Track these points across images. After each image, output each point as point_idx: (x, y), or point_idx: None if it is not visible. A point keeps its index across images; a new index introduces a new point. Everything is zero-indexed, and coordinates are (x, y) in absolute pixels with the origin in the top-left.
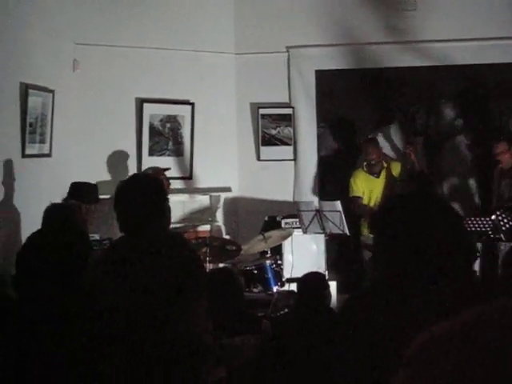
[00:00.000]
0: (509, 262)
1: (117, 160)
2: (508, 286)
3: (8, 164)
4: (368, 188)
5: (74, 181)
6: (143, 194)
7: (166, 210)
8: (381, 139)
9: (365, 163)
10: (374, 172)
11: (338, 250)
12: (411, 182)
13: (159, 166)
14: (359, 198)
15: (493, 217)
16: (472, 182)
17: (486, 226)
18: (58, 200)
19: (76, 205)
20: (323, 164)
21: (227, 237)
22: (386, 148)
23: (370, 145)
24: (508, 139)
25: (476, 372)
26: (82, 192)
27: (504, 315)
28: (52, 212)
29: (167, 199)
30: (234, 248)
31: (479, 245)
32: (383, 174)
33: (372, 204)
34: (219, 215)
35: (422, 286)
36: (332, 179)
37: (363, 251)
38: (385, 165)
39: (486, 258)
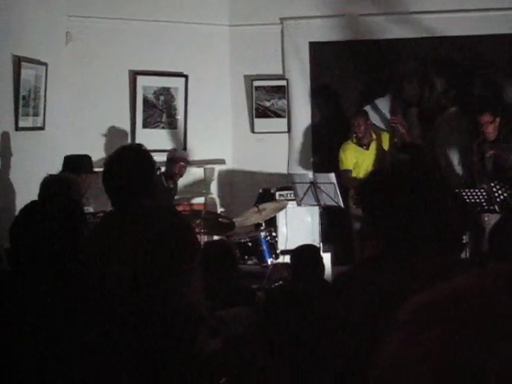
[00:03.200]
0: (496, 235)
1: (110, 132)
2: (496, 258)
3: (4, 137)
4: (357, 160)
5: (67, 153)
6: (131, 166)
7: (155, 182)
8: (371, 111)
9: (354, 135)
10: (363, 144)
11: (332, 221)
12: (400, 153)
13: (179, 155)
14: (349, 171)
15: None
16: (458, 153)
17: (481, 197)
18: (52, 172)
19: (73, 177)
20: (317, 136)
21: (222, 209)
22: (377, 120)
23: (358, 117)
24: (492, 111)
25: (470, 336)
26: (76, 164)
27: (498, 280)
28: (48, 183)
29: (156, 171)
30: (227, 221)
31: None
32: (373, 145)
33: (362, 176)
34: (213, 187)
35: (411, 258)
36: (326, 151)
37: (353, 223)
38: (374, 137)
39: (472, 229)
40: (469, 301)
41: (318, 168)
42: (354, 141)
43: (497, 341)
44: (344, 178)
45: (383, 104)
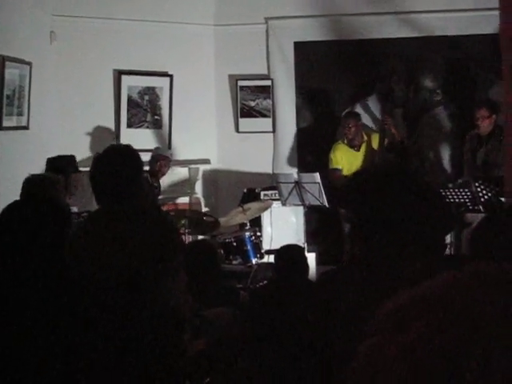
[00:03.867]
0: (478, 236)
1: (95, 132)
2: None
3: None
4: (348, 161)
5: (52, 153)
6: (119, 166)
7: (142, 182)
8: (360, 111)
9: (344, 137)
10: (354, 145)
11: (317, 221)
12: (389, 153)
13: (160, 153)
14: (338, 170)
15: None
16: (446, 152)
17: (465, 197)
18: (37, 172)
19: (55, 177)
20: (302, 136)
21: (206, 209)
22: (366, 119)
23: (350, 119)
24: (489, 107)
25: (445, 338)
26: (60, 165)
27: (475, 281)
28: (31, 183)
29: (143, 171)
30: (212, 220)
31: None
32: (363, 146)
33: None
34: (198, 187)
35: (394, 258)
36: (311, 151)
37: (343, 223)
38: (365, 138)
39: (455, 230)
40: (444, 303)
41: (303, 168)
42: (345, 142)
43: (474, 342)
44: (332, 176)
45: (369, 104)
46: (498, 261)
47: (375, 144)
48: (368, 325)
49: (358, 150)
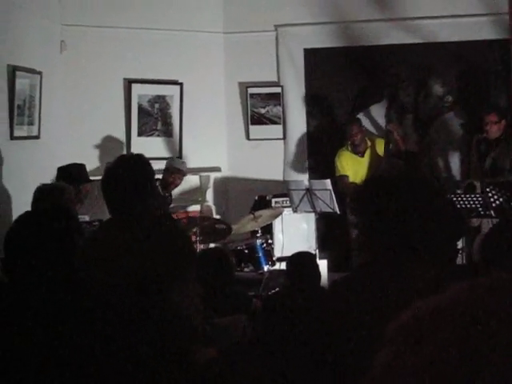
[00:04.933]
0: (491, 242)
1: (105, 141)
2: (490, 265)
3: None
4: (353, 167)
5: (62, 162)
6: (130, 175)
7: (154, 191)
8: (366, 117)
9: (349, 143)
10: (358, 151)
11: (329, 228)
12: (395, 160)
13: (175, 165)
14: (345, 176)
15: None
16: (456, 158)
17: (476, 202)
18: (47, 181)
19: (66, 186)
20: (312, 142)
21: (218, 216)
22: (371, 126)
23: (353, 125)
24: (499, 113)
25: (460, 352)
26: (70, 174)
27: (492, 292)
28: (42, 193)
29: (155, 180)
30: (224, 227)
31: None
32: (368, 153)
33: (358, 183)
34: (209, 195)
35: (406, 266)
36: (322, 158)
37: (351, 230)
38: (369, 144)
39: (467, 235)
40: (460, 315)
41: (314, 175)
42: (350, 148)
43: (487, 354)
44: (341, 184)
45: (378, 110)
46: (510, 266)
47: (380, 149)
48: (383, 335)
49: (363, 156)
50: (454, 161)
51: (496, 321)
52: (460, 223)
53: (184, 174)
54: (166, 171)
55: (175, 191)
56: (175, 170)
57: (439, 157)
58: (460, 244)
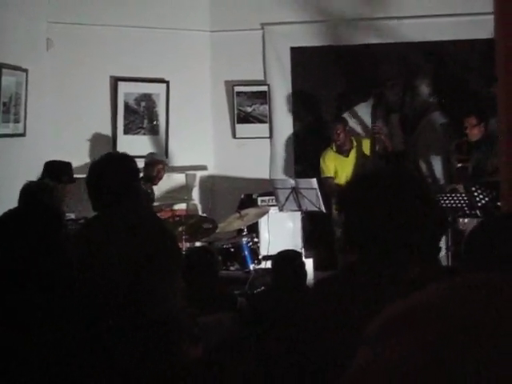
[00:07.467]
0: (474, 241)
1: (91, 139)
2: (473, 265)
3: None
4: (338, 167)
5: (48, 159)
6: (114, 172)
7: (138, 188)
8: (351, 117)
9: (333, 143)
10: (342, 151)
11: (315, 227)
12: (381, 159)
13: (157, 158)
14: (330, 178)
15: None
16: (440, 159)
17: (462, 202)
18: (33, 179)
19: (52, 184)
20: (299, 141)
21: (203, 215)
22: (358, 125)
23: (338, 125)
24: (478, 115)
25: (438, 351)
26: (57, 171)
27: (471, 292)
28: (27, 191)
29: (140, 178)
30: (210, 226)
31: None
32: (353, 152)
33: (343, 183)
34: (195, 194)
35: (391, 266)
36: (308, 156)
37: (335, 229)
38: (354, 143)
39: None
40: (438, 313)
41: (300, 173)
42: (334, 148)
43: (469, 352)
44: (326, 184)
45: (364, 110)
46: (493, 265)
47: (366, 149)
48: (363, 334)
49: (347, 156)
50: (437, 163)
51: (474, 320)
52: (444, 221)
53: (166, 165)
54: (149, 165)
55: (161, 189)
56: (158, 161)
57: (425, 156)
58: (443, 243)
